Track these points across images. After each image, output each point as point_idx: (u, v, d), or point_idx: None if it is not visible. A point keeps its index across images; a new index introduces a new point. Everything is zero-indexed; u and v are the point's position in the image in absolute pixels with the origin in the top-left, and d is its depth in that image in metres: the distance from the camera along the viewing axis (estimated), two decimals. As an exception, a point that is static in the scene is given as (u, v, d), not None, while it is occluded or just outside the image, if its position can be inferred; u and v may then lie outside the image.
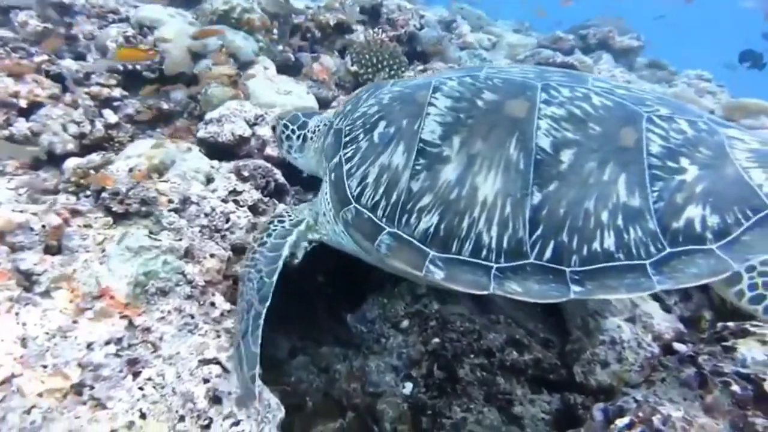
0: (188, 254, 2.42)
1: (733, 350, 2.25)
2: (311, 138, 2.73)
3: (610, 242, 1.86)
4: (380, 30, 5.43)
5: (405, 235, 2.06)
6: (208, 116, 3.34)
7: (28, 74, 3.50)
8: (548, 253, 1.89)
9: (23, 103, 3.35)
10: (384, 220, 2.10)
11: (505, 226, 1.93)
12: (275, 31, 4.75)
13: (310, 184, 3.27)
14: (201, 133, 3.28)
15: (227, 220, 2.82)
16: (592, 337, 3.19)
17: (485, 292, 1.90)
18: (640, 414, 1.84)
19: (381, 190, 2.12)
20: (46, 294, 1.95)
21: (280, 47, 4.77)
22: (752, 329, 2.34)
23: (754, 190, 1.90)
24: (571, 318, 3.42)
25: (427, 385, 3.24)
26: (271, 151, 3.26)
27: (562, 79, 2.18)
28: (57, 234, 2.16)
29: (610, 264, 1.86)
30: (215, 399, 1.84)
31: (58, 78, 3.45)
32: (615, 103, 2.05)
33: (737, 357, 2.19)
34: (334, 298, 3.57)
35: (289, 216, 2.46)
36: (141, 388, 1.81)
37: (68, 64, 3.47)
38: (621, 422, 1.85)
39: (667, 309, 3.14)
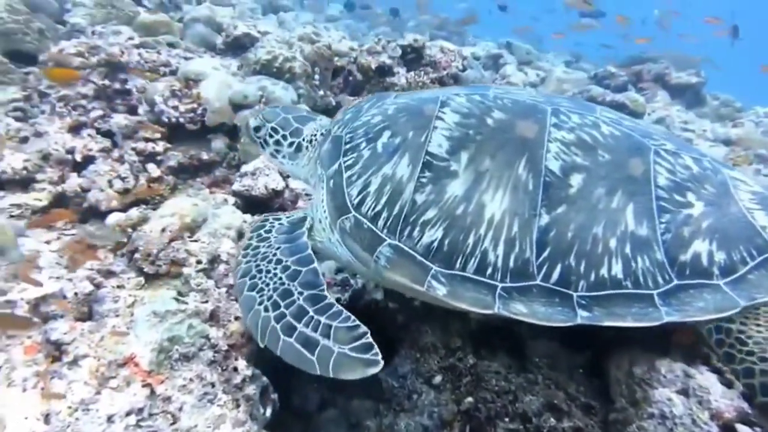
0: (213, 317, 2.46)
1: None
2: (306, 147, 2.62)
3: (617, 269, 1.87)
4: (422, 72, 5.43)
5: (407, 248, 2.02)
6: (243, 169, 3.43)
7: (84, 129, 3.74)
8: (555, 276, 1.88)
9: (78, 158, 3.56)
10: (385, 231, 2.06)
11: (512, 246, 1.91)
12: (316, 76, 4.85)
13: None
14: (236, 186, 3.37)
15: (256, 278, 2.85)
16: (639, 409, 2.96)
17: (489, 311, 1.88)
18: None
19: (383, 201, 2.07)
20: (73, 363, 2.03)
21: (321, 92, 4.87)
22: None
23: (758, 230, 1.93)
24: (616, 383, 3.21)
25: (460, 446, 3.13)
26: (303, 204, 3.30)
27: (570, 105, 2.19)
28: (89, 300, 2.25)
29: (618, 291, 1.88)
30: (225, 480, 1.84)
31: (108, 133, 3.65)
32: (623, 134, 2.08)
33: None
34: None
35: (287, 218, 2.39)
36: (156, 467, 1.84)
37: (118, 120, 3.66)
38: None
39: (727, 383, 2.85)
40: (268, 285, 2.06)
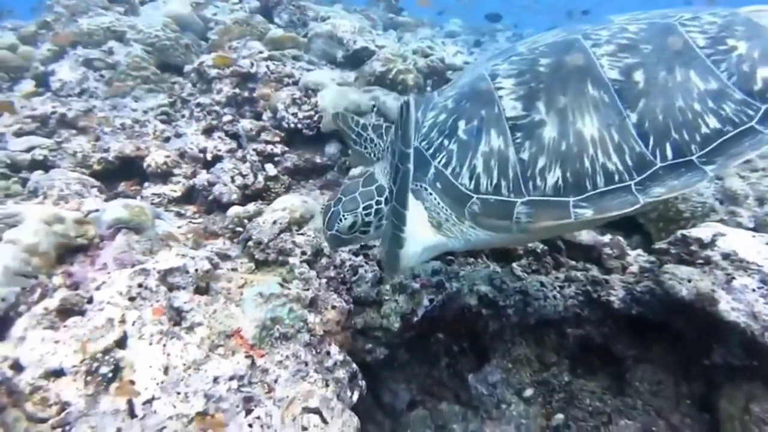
0: (313, 304, 2.64)
1: None
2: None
3: (713, 122, 2.06)
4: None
5: (539, 198, 2.15)
6: (351, 173, 3.63)
7: (215, 132, 4.22)
8: (669, 153, 2.07)
9: (209, 157, 4.01)
10: (512, 195, 2.18)
11: (621, 150, 2.09)
12: (428, 88, 5.00)
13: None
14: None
15: (355, 273, 3.01)
16: (756, 447, 2.69)
17: (638, 206, 2.04)
18: None
19: (495, 173, 2.19)
20: (189, 329, 2.30)
21: (432, 103, 5.00)
22: None
23: None
24: (728, 419, 2.93)
25: (543, 459, 3.04)
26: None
27: (591, 26, 2.38)
28: (207, 277, 2.53)
29: (725, 138, 2.06)
30: (309, 448, 1.97)
31: (234, 136, 4.07)
32: (647, 24, 2.31)
33: None
34: (457, 354, 3.54)
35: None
36: (250, 425, 2.02)
37: (243, 124, 4.07)
38: None
39: None
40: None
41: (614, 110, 2.12)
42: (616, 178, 2.09)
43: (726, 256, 2.93)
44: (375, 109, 4.24)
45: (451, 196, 2.28)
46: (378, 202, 2.50)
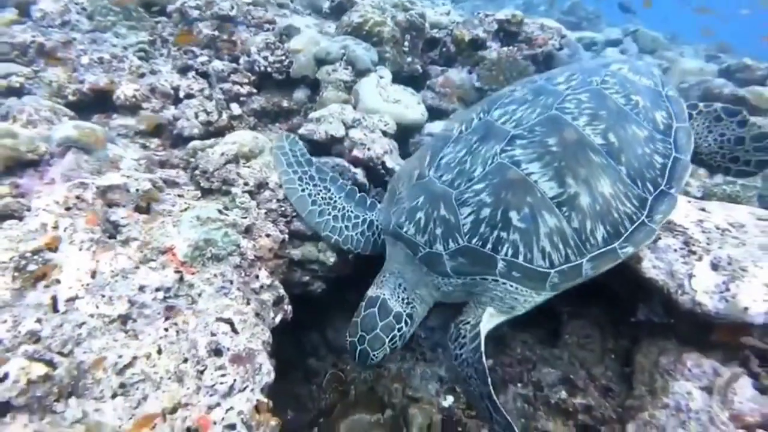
0: (248, 231, 2.79)
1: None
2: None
3: (660, 153, 2.77)
4: (515, 48, 5.36)
5: (596, 252, 2.57)
6: (311, 115, 3.73)
7: (190, 71, 4.30)
8: (651, 187, 2.69)
9: (181, 95, 4.11)
10: (578, 258, 2.56)
11: (629, 197, 2.64)
12: (406, 43, 5.02)
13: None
14: (301, 130, 3.67)
15: (297, 208, 3.15)
16: (656, 398, 2.85)
17: (654, 235, 2.65)
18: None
19: (561, 246, 2.53)
20: (124, 243, 2.45)
21: (409, 59, 5.03)
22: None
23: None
24: (640, 371, 3.09)
25: (468, 403, 3.22)
26: (357, 153, 3.52)
27: (553, 98, 2.83)
28: (148, 197, 2.67)
29: (673, 160, 2.76)
30: (216, 351, 2.14)
31: (205, 75, 4.16)
32: (589, 92, 2.85)
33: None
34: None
35: (467, 322, 2.77)
36: (166, 330, 2.19)
37: (215, 64, 4.15)
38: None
39: (762, 389, 2.64)
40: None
41: (612, 168, 2.60)
42: (634, 217, 2.61)
43: (659, 219, 3.04)
44: (344, 56, 4.29)
45: (531, 278, 2.56)
46: (400, 329, 2.77)
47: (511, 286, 2.60)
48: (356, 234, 3.11)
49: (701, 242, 2.91)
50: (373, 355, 2.70)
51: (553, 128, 2.64)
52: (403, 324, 2.76)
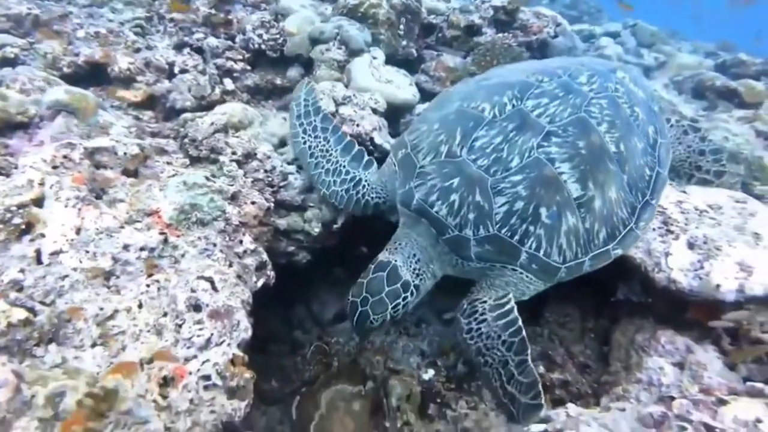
0: (234, 198, 2.83)
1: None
2: None
3: (649, 160, 2.98)
4: (510, 35, 5.40)
5: (596, 252, 2.76)
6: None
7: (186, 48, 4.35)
8: (641, 197, 2.88)
9: (176, 70, 4.15)
10: (583, 256, 2.73)
11: (626, 203, 2.81)
12: (401, 27, 5.05)
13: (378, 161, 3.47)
14: (292, 105, 3.71)
15: (284, 179, 3.20)
16: (630, 373, 2.92)
17: (638, 240, 2.88)
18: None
19: (574, 245, 2.69)
20: (110, 203, 2.50)
21: (404, 42, 5.06)
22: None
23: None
24: (617, 347, 3.15)
25: (448, 376, 3.28)
26: (346, 128, 3.55)
27: (582, 99, 2.90)
28: (136, 161, 2.72)
29: (656, 174, 2.97)
30: (195, 307, 2.19)
31: (200, 50, 4.20)
32: (607, 99, 2.97)
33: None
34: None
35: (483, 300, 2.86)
36: (147, 286, 2.24)
37: (210, 41, 4.19)
38: None
39: (731, 365, 2.71)
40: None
41: (619, 176, 2.77)
42: (627, 223, 2.79)
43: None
44: (338, 36, 4.33)
45: (546, 271, 2.71)
46: (405, 298, 2.75)
47: (527, 276, 2.74)
48: (341, 190, 3.11)
49: (679, 222, 2.97)
50: (373, 318, 2.66)
51: (582, 131, 2.73)
52: (409, 294, 2.74)
